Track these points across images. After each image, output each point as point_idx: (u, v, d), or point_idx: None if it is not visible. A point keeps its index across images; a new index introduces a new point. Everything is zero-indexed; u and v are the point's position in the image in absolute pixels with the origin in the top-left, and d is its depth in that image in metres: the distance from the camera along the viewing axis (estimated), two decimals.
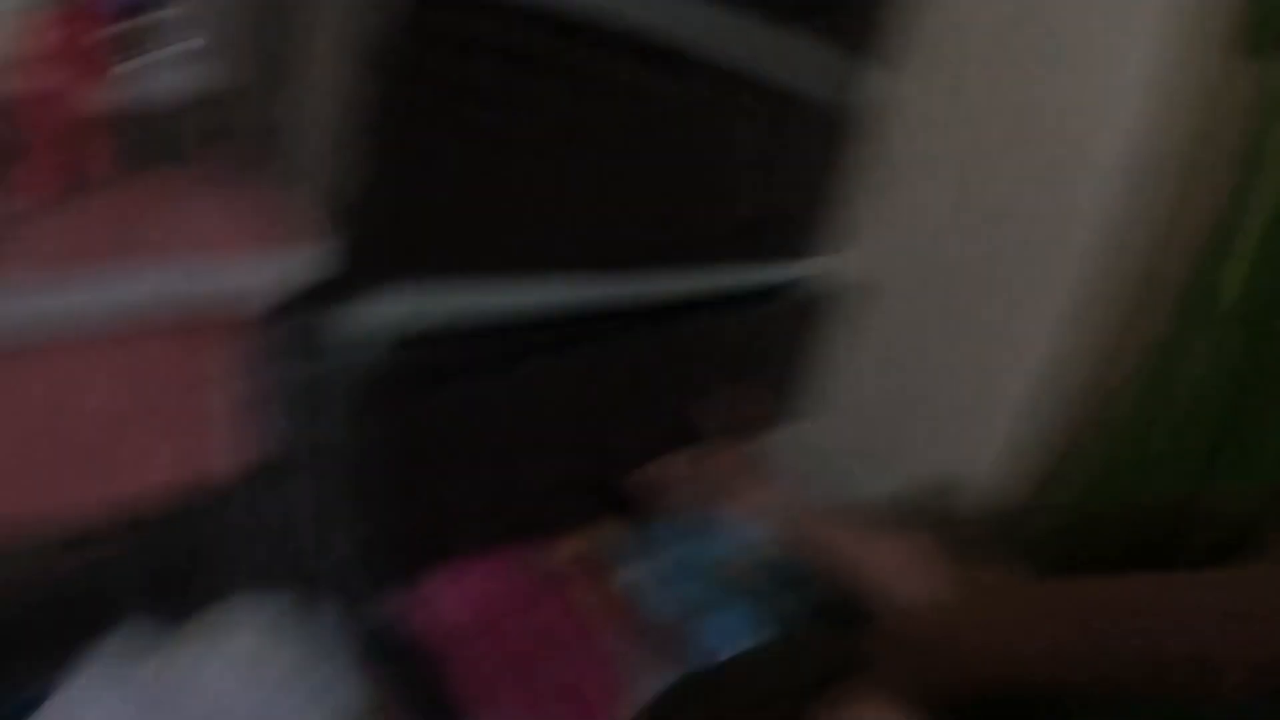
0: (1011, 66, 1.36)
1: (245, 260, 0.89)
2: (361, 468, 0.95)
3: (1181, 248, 1.24)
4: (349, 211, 0.87)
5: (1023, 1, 1.33)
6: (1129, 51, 1.25)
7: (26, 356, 0.82)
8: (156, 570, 0.97)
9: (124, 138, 0.99)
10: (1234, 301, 1.18)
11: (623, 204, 1.07)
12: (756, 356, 1.39)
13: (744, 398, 1.30)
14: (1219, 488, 1.15)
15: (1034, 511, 1.37)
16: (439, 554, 1.09)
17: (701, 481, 1.16)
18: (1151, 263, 1.28)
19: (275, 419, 0.96)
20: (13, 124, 0.92)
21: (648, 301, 1.16)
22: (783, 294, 1.38)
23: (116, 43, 0.98)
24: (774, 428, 1.41)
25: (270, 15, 1.03)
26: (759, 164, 1.20)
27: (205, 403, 0.93)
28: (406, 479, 1.00)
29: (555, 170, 0.98)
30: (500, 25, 0.85)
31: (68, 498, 0.91)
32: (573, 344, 1.09)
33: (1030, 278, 1.40)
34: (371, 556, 1.01)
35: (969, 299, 1.46)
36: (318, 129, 1.00)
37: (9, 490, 0.88)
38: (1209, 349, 1.20)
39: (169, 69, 1.01)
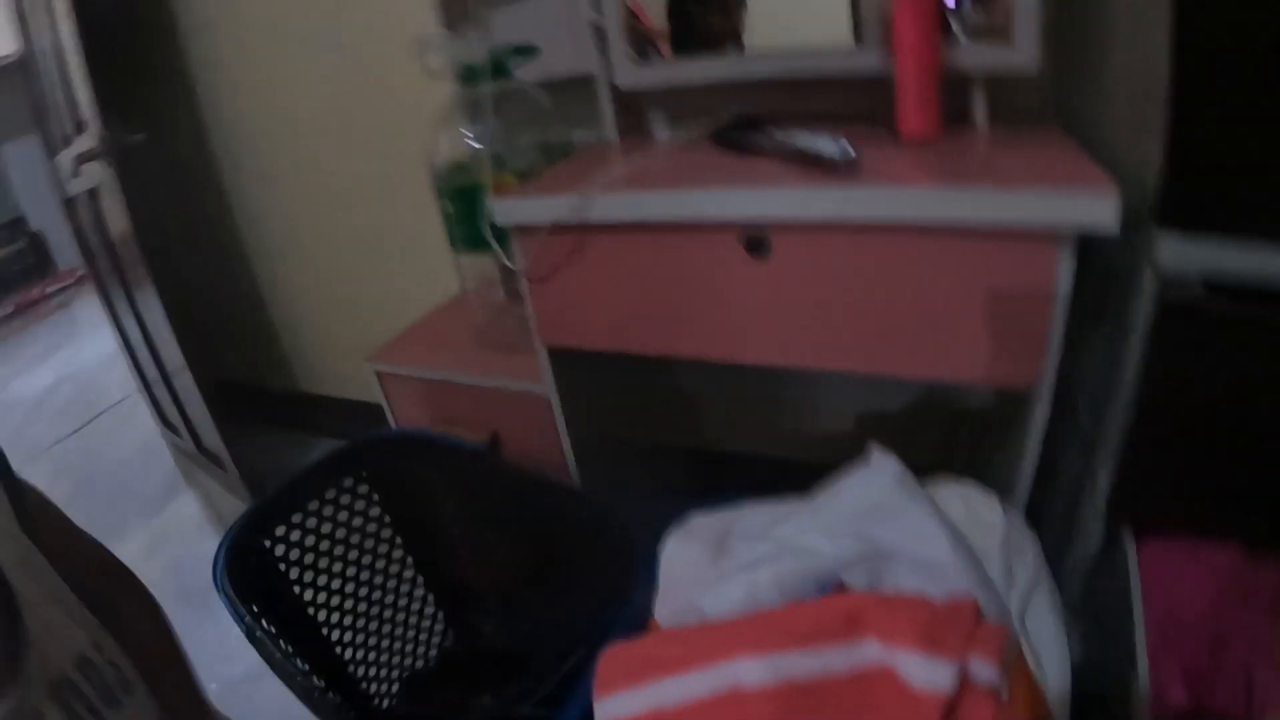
0: None
1: (1058, 198, 1.05)
2: (1140, 404, 1.01)
3: None
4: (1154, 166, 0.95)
5: None
6: None
7: (893, 239, 1.15)
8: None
9: (956, 98, 1.36)
10: None
11: None
12: None
13: None
14: None
15: None
16: (1182, 519, 1.05)
17: None
18: None
19: (1073, 341, 1.12)
20: (892, 80, 1.33)
21: None
22: None
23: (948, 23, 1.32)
24: None
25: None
26: None
27: (1021, 316, 1.13)
28: (1178, 427, 1.01)
29: None
30: None
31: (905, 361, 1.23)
32: None
33: None
34: (1118, 496, 1.06)
35: None
36: (1116, 94, 1.11)
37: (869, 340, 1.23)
38: None
39: (986, 47, 1.31)
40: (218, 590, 1.24)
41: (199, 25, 2.41)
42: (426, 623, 1.67)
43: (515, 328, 1.69)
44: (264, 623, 1.21)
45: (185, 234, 2.78)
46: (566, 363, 1.58)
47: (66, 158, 2.40)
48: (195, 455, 2.71)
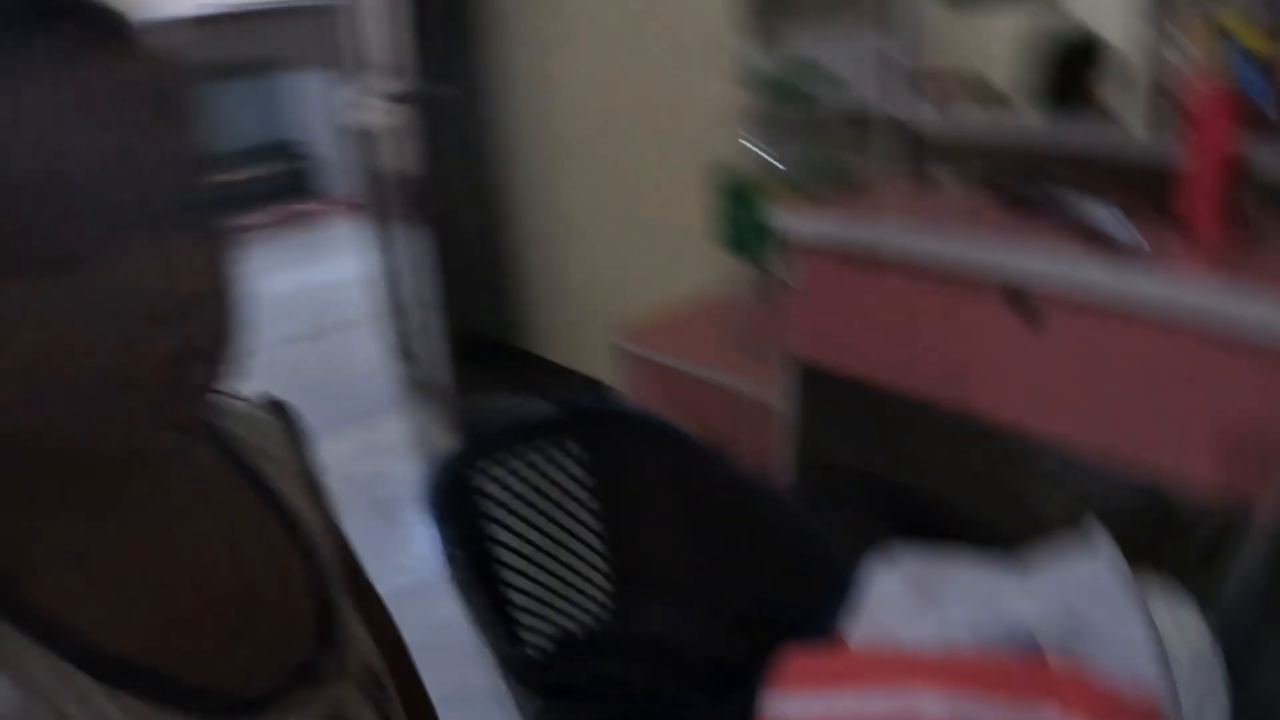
0: None
1: None
2: None
3: None
4: None
5: None
6: None
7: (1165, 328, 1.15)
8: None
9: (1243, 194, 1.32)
10: None
11: None
12: None
13: None
14: None
15: None
16: None
17: None
18: None
19: None
20: (1181, 170, 1.31)
21: None
22: None
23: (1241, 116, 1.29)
24: None
25: None
26: None
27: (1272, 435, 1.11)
28: None
29: None
30: None
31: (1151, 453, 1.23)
32: None
33: None
34: None
35: None
36: None
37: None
38: None
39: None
40: (427, 505, 1.31)
41: None
42: (596, 593, 1.71)
43: (762, 334, 1.73)
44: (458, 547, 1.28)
45: (464, 184, 2.94)
46: (805, 378, 1.62)
47: (370, 95, 2.60)
48: (418, 385, 2.87)
